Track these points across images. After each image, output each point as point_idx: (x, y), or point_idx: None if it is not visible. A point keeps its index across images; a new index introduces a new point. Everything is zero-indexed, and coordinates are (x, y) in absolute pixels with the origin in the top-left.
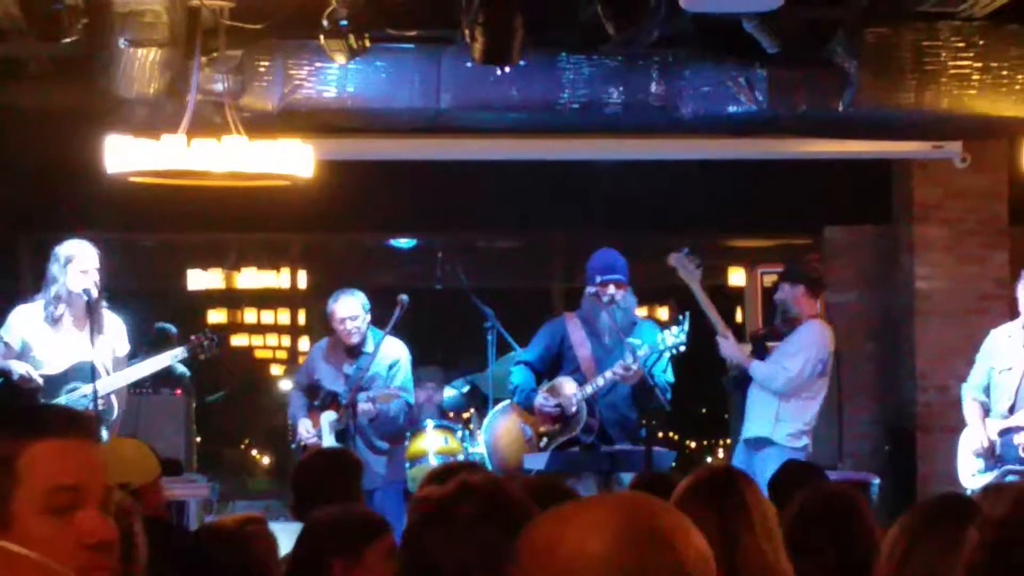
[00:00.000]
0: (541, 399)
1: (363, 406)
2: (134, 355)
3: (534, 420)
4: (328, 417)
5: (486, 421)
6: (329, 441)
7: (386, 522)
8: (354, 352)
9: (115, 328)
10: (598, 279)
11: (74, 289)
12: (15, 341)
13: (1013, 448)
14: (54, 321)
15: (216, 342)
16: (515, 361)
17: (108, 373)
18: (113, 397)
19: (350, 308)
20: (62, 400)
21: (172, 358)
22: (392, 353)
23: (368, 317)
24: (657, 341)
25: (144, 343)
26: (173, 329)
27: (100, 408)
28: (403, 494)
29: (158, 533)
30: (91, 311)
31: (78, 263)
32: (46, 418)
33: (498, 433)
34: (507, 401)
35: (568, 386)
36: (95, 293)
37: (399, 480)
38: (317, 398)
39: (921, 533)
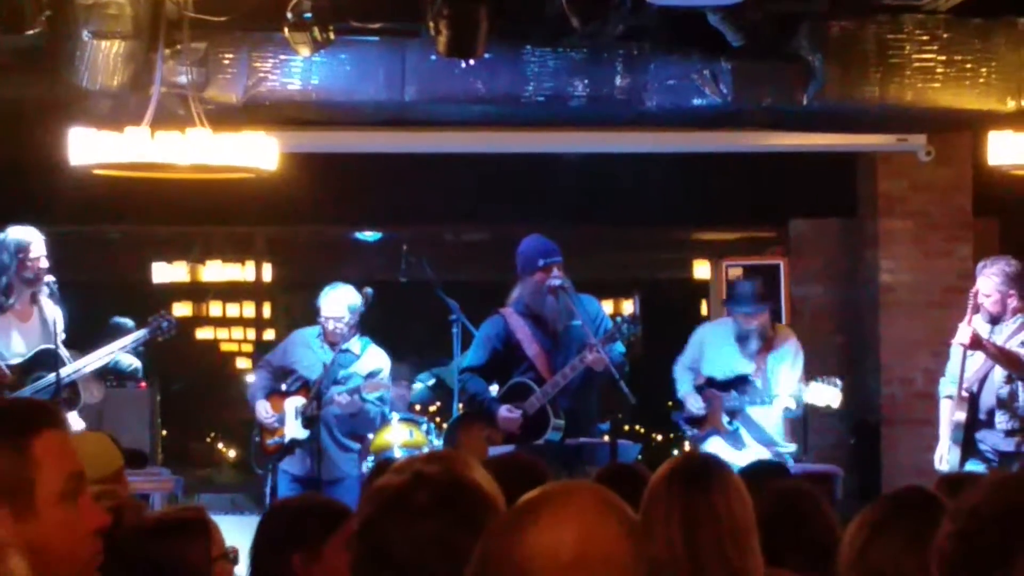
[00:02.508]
0: (505, 411)
1: (341, 398)
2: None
3: (494, 431)
4: (295, 403)
5: (446, 434)
6: (295, 427)
7: (346, 510)
8: (341, 350)
9: (54, 313)
10: (542, 263)
11: (25, 277)
12: None
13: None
14: (1, 311)
15: (174, 324)
16: (461, 368)
17: (68, 361)
18: (80, 385)
19: (334, 308)
20: (27, 390)
21: (133, 340)
22: (375, 362)
23: (353, 317)
24: (612, 328)
25: (100, 337)
26: (130, 323)
27: (66, 396)
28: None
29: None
30: (35, 299)
31: (30, 251)
32: (44, 410)
33: (462, 446)
34: (459, 414)
35: (528, 390)
36: (48, 278)
37: (359, 475)
38: (285, 382)
39: (882, 526)
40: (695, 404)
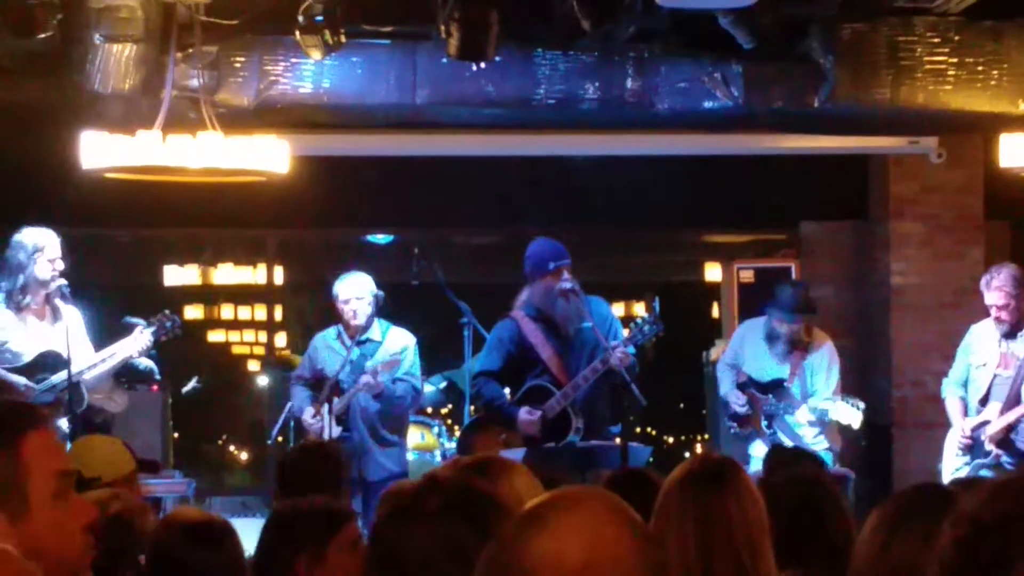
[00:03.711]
0: (525, 413)
1: (365, 379)
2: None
3: (513, 434)
4: (334, 403)
5: (460, 439)
6: (332, 428)
7: (348, 512)
8: (361, 341)
9: (75, 318)
10: (552, 266)
11: (41, 278)
12: None
13: (982, 443)
14: (18, 310)
15: (178, 324)
16: (475, 373)
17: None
18: (83, 388)
19: (355, 288)
20: (33, 392)
21: (140, 344)
22: (400, 341)
23: (373, 301)
24: (633, 330)
25: (113, 337)
26: (142, 323)
27: (72, 397)
28: None
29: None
30: (49, 300)
31: (47, 252)
32: (27, 411)
33: (477, 451)
34: (474, 417)
35: (546, 393)
36: (60, 282)
37: (406, 473)
38: (322, 390)
39: (900, 523)
40: (737, 402)
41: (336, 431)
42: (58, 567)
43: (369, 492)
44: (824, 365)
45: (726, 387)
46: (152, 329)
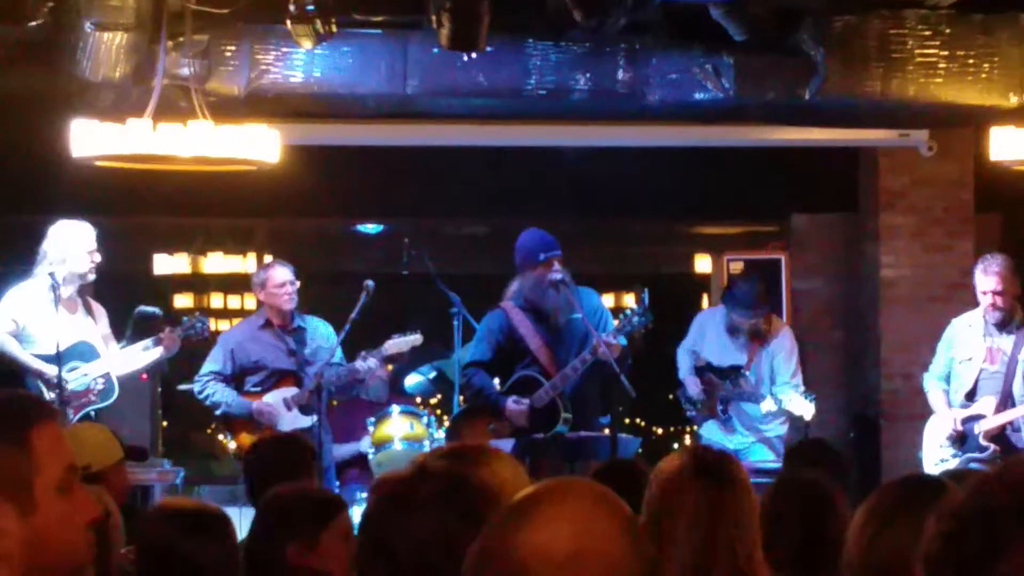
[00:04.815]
0: (513, 404)
1: (369, 363)
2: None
3: (501, 424)
4: (282, 395)
5: (449, 429)
6: (292, 418)
7: (341, 501)
8: (288, 329)
9: (100, 311)
10: (542, 257)
11: (81, 270)
12: (19, 320)
13: (974, 436)
14: (56, 301)
15: (207, 326)
16: (465, 364)
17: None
18: (114, 378)
19: (289, 273)
20: (71, 383)
21: (166, 351)
22: (324, 327)
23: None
24: (622, 321)
25: (127, 327)
26: (158, 312)
27: (101, 388)
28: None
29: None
30: (82, 293)
31: (87, 244)
32: (38, 403)
33: (465, 441)
34: (463, 407)
35: (535, 383)
36: (93, 275)
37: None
38: (245, 382)
39: (889, 515)
40: (694, 388)
41: (307, 421)
42: (62, 563)
43: (324, 476)
44: (784, 351)
45: (684, 371)
46: (179, 330)
